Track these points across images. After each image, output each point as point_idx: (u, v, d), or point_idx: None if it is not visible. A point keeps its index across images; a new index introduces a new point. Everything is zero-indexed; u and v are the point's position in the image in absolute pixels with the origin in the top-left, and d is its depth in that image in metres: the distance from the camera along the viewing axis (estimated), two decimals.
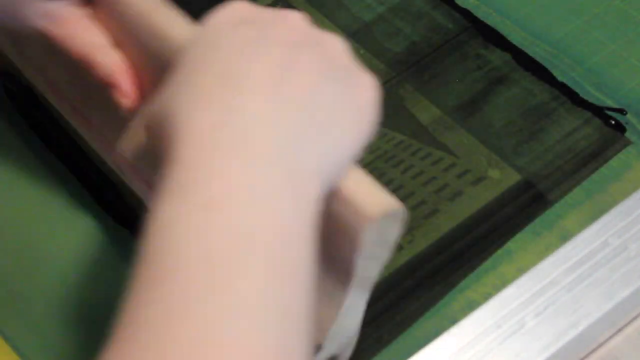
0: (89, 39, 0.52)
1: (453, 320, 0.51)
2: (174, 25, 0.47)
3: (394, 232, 0.44)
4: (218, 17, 0.44)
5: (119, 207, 0.58)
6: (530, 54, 0.62)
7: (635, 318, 0.53)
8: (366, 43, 0.64)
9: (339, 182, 0.44)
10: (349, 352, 0.48)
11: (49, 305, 0.54)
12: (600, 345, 0.52)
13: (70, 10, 0.52)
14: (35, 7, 0.52)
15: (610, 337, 0.52)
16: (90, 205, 0.58)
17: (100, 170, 0.59)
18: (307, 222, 0.40)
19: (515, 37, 0.64)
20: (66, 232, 0.57)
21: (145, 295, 0.35)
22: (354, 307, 0.46)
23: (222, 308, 0.35)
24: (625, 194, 0.55)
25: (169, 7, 0.49)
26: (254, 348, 0.34)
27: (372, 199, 0.44)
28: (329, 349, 0.46)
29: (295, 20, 0.44)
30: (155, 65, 0.47)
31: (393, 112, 0.61)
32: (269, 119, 0.40)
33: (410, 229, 0.55)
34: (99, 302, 0.54)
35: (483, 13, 0.65)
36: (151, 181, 0.48)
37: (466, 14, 0.65)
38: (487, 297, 0.52)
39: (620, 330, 0.53)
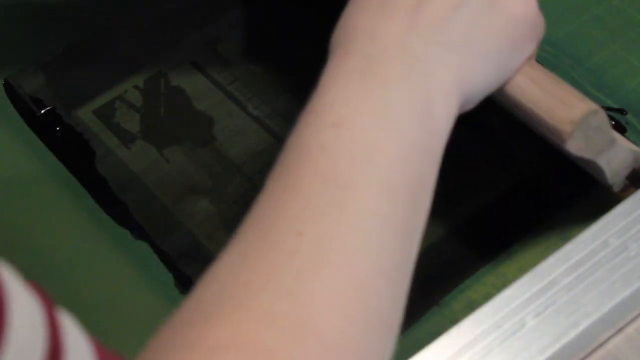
0: None
1: (453, 320, 0.51)
2: None
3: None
4: None
5: (118, 207, 0.58)
6: None
7: (635, 318, 0.53)
8: None
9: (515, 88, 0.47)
10: None
11: None
12: (600, 346, 0.52)
13: None
14: None
15: (611, 337, 0.52)
16: (90, 205, 0.58)
17: (100, 171, 0.59)
18: (434, 139, 0.42)
19: None
20: (66, 232, 0.57)
21: (272, 202, 0.39)
22: None
23: (337, 226, 0.37)
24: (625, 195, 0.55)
25: None
26: (362, 267, 0.37)
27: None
28: None
29: None
30: None
31: None
32: (402, 45, 0.43)
33: None
34: (98, 302, 0.54)
35: None
36: None
37: None
38: (487, 297, 0.51)
39: (620, 330, 0.53)
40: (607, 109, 0.59)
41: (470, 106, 0.46)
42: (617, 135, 0.51)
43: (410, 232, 0.40)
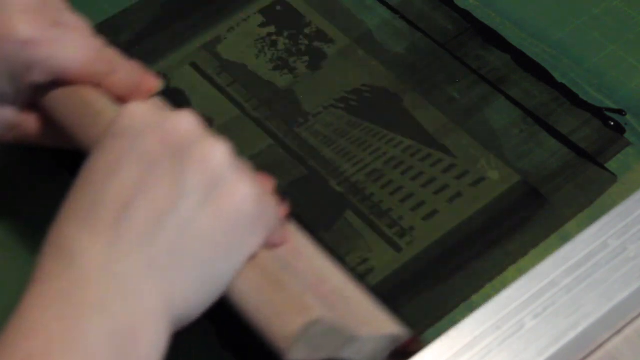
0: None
1: (452, 322, 0.51)
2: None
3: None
4: (112, 125, 0.44)
5: None
6: (530, 55, 0.63)
7: (634, 319, 0.53)
8: (365, 44, 0.64)
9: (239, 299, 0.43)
10: None
11: None
12: (599, 347, 0.52)
13: (21, 117, 0.53)
14: None
15: (610, 339, 0.52)
16: None
17: None
18: None
19: (515, 38, 0.64)
20: None
21: None
22: None
23: None
24: (625, 195, 0.55)
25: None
26: None
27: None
28: None
29: (173, 126, 0.43)
30: None
31: (391, 113, 0.61)
32: (103, 268, 0.39)
33: (410, 230, 0.55)
34: None
35: (482, 14, 0.65)
36: None
37: (466, 15, 0.65)
38: (486, 298, 0.52)
39: (619, 331, 0.53)
40: (607, 109, 0.59)
41: (188, 322, 0.42)
42: (366, 324, 0.45)
43: None
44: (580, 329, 0.49)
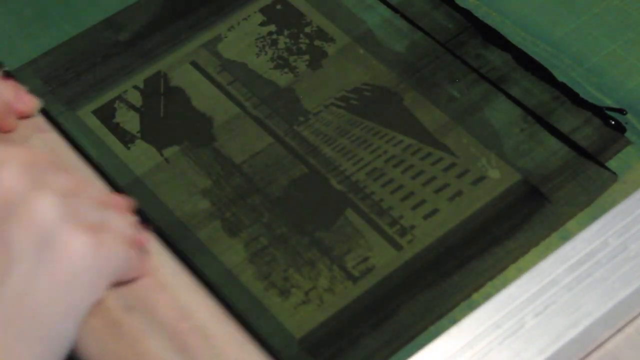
0: None
1: (453, 320, 0.51)
2: None
3: None
4: None
5: None
6: (530, 54, 0.62)
7: (635, 318, 0.53)
8: (366, 43, 0.64)
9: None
10: None
11: None
12: (600, 345, 0.52)
13: None
14: None
15: (610, 337, 0.52)
16: None
17: (99, 172, 0.59)
18: None
19: (515, 37, 0.64)
20: None
21: None
22: None
23: None
24: (625, 194, 0.55)
25: None
26: None
27: None
28: None
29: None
30: None
31: (392, 111, 0.61)
32: None
33: (410, 229, 0.55)
34: None
35: (483, 13, 0.65)
36: None
37: (466, 14, 0.65)
38: (487, 296, 0.52)
39: (620, 330, 0.53)
40: (607, 108, 0.59)
41: None
42: None
43: None
44: (581, 327, 0.49)
